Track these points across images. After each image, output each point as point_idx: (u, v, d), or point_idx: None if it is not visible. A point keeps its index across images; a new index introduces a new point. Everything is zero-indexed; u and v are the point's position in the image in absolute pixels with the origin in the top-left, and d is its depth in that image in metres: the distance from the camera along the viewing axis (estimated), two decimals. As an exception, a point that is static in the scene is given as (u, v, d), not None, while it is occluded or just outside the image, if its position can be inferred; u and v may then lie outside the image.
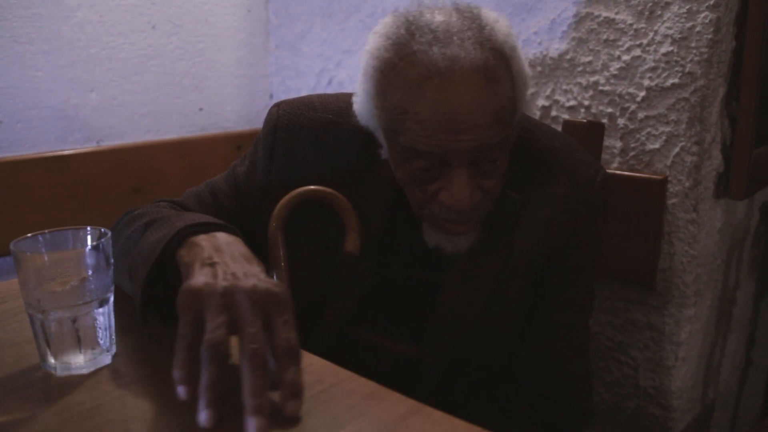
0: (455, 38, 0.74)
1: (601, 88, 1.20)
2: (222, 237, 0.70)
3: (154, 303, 0.71)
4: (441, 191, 0.79)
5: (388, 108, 0.78)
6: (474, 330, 0.89)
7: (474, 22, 0.77)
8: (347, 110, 0.88)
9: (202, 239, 0.69)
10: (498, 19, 0.80)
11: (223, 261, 0.65)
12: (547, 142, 0.89)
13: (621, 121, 1.18)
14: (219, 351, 0.57)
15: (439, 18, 0.77)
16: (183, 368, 0.58)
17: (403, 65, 0.76)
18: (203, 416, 0.56)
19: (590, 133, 1.09)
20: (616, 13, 1.16)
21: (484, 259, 0.87)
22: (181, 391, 0.58)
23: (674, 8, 1.09)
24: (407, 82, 0.75)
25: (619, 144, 1.19)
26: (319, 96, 0.95)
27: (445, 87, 0.73)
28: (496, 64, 0.75)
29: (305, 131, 0.92)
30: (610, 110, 1.19)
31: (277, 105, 0.94)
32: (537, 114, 1.29)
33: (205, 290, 0.60)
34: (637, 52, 1.14)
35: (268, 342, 0.60)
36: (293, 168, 0.92)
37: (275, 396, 0.59)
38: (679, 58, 1.10)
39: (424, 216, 0.84)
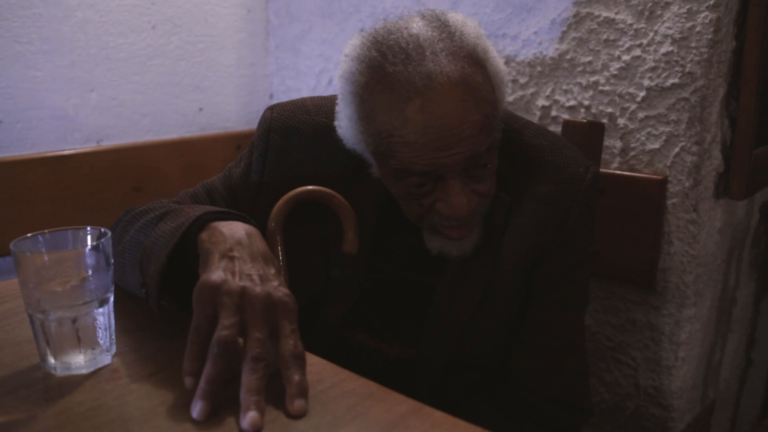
0: (427, 53, 0.73)
1: (601, 88, 1.20)
2: (242, 228, 0.70)
3: (169, 289, 0.72)
4: (437, 202, 0.79)
5: (374, 133, 0.78)
6: (468, 330, 0.89)
7: (443, 31, 0.76)
8: None
9: (223, 226, 0.70)
10: (465, 21, 0.79)
11: (243, 257, 0.66)
12: (533, 141, 0.89)
13: (621, 121, 1.18)
14: (227, 349, 0.59)
15: (407, 33, 0.76)
16: (193, 361, 0.60)
17: (380, 89, 0.75)
18: (197, 407, 0.58)
19: (590, 133, 1.09)
20: (616, 13, 1.16)
21: (477, 261, 0.87)
22: (188, 382, 0.60)
23: (674, 8, 1.09)
24: (388, 106, 0.75)
25: (619, 144, 1.19)
26: (313, 99, 0.95)
27: (427, 106, 0.73)
28: (473, 72, 0.75)
29: (298, 134, 0.92)
30: (610, 110, 1.19)
31: (271, 108, 0.94)
32: (537, 114, 1.29)
33: (223, 288, 0.62)
34: (637, 52, 1.14)
35: (274, 347, 0.62)
36: (286, 170, 0.92)
37: (275, 401, 0.60)
38: (679, 58, 1.10)
39: (424, 226, 0.84)
